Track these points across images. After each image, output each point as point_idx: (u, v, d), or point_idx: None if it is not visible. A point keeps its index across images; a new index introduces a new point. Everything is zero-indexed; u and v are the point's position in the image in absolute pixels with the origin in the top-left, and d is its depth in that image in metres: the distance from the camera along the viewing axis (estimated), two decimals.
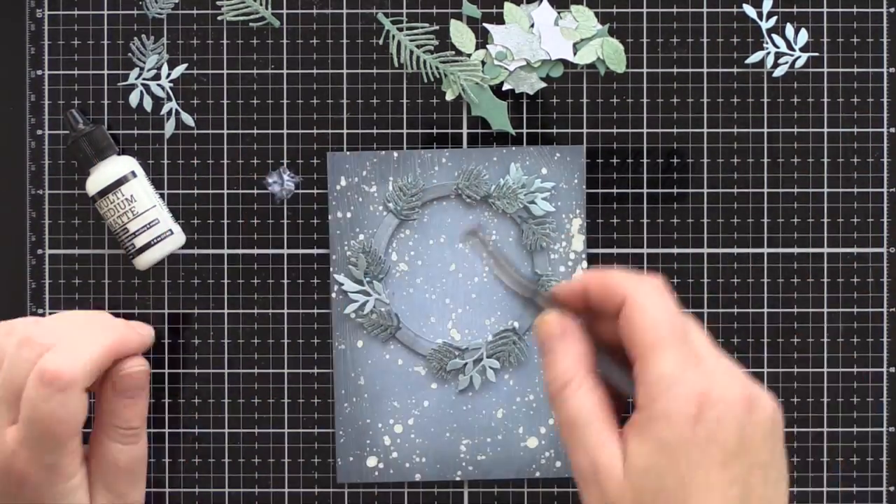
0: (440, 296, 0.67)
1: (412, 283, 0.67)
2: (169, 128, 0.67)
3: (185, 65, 0.68)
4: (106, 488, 0.62)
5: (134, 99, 0.68)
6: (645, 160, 0.68)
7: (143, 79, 0.67)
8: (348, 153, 0.67)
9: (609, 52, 0.67)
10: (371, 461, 0.67)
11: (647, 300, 0.52)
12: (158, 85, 0.67)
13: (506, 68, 0.67)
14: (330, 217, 0.67)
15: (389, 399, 0.67)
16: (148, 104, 0.68)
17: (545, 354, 0.54)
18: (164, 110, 0.67)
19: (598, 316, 0.55)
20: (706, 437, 0.51)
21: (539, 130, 0.67)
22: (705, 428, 0.51)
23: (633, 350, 0.52)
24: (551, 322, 0.54)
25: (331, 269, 0.67)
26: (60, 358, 0.58)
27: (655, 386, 0.51)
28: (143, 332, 0.64)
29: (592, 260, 0.67)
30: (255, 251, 0.68)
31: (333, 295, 0.67)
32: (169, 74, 0.67)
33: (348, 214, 0.67)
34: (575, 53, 0.67)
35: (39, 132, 0.68)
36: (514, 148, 0.67)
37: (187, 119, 0.67)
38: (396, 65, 0.67)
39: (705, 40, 0.67)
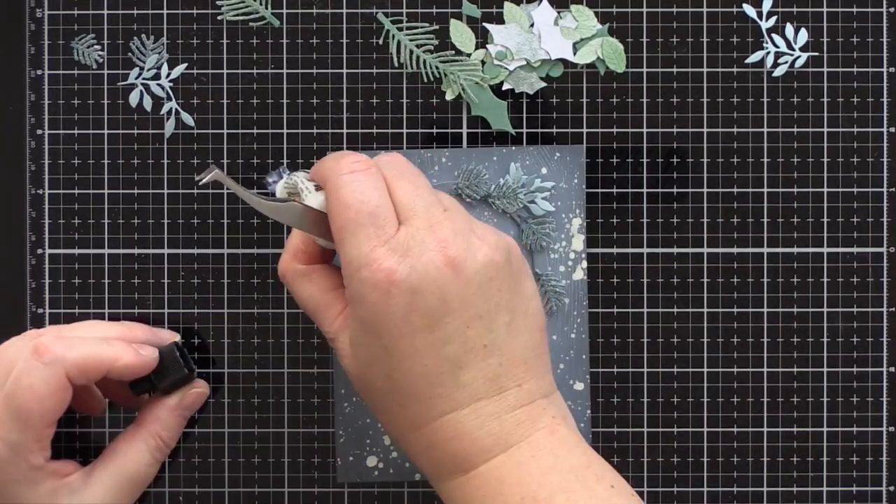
0: None
1: None
2: (169, 127, 0.67)
3: (185, 64, 0.68)
4: (114, 491, 0.61)
5: (134, 98, 0.68)
6: (645, 160, 0.68)
7: (143, 78, 0.67)
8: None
9: (609, 52, 0.67)
10: (371, 461, 0.67)
11: (339, 183, 0.54)
12: (158, 84, 0.67)
13: (506, 68, 0.67)
14: None
15: None
16: (148, 104, 0.68)
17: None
18: (164, 110, 0.67)
19: None
20: (403, 307, 0.52)
21: (539, 130, 0.67)
22: (400, 299, 0.52)
23: (335, 236, 0.54)
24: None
25: None
26: (55, 338, 0.59)
27: (346, 269, 0.53)
28: (144, 353, 0.63)
29: (592, 259, 0.67)
30: (255, 251, 0.68)
31: None
32: (169, 74, 0.67)
33: None
34: (575, 53, 0.67)
35: (39, 132, 0.68)
36: (514, 148, 0.67)
37: (187, 119, 0.67)
38: (396, 64, 0.67)
39: (705, 40, 0.67)
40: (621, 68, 0.67)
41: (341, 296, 0.57)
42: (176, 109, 0.67)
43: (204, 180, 0.57)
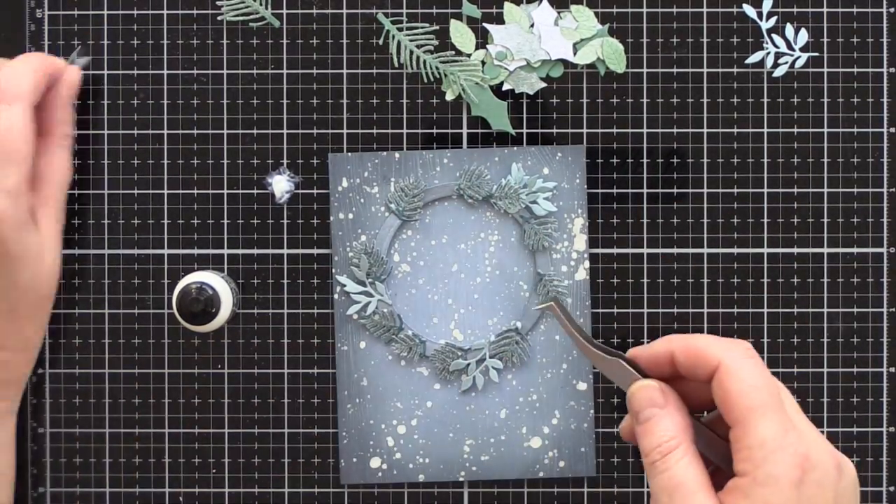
0: (442, 296, 0.67)
1: (414, 283, 0.67)
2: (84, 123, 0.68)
3: (92, 58, 0.68)
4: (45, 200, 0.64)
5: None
6: (645, 160, 0.68)
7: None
8: (350, 154, 0.67)
9: (609, 52, 0.67)
10: (374, 462, 0.67)
11: (741, 365, 0.53)
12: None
13: (506, 68, 0.67)
14: (332, 218, 0.67)
15: (392, 400, 0.67)
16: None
17: (643, 421, 0.54)
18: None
19: (681, 381, 0.55)
20: (808, 500, 0.52)
21: (539, 130, 0.67)
22: (808, 491, 0.52)
23: (731, 415, 0.52)
24: (652, 389, 0.55)
25: (333, 270, 0.67)
26: (7, 77, 0.62)
27: (759, 450, 0.52)
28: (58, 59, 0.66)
29: (592, 259, 0.67)
30: (255, 251, 0.68)
31: (336, 296, 0.67)
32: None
33: (350, 215, 0.67)
34: (575, 53, 0.67)
35: None
36: (515, 148, 0.67)
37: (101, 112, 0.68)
38: (396, 65, 0.67)
39: (705, 40, 0.67)
40: (621, 68, 0.67)
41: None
42: (90, 105, 0.68)
43: (537, 307, 0.58)
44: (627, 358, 0.55)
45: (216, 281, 0.64)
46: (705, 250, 0.68)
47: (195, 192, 0.68)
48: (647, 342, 0.67)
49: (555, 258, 0.67)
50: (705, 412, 0.56)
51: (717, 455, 0.55)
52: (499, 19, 0.67)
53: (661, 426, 0.54)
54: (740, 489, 0.52)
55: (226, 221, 0.68)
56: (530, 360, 0.67)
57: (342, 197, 0.67)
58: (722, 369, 0.53)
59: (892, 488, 0.68)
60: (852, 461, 0.67)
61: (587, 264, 0.67)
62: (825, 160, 0.68)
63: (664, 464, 0.54)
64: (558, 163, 0.67)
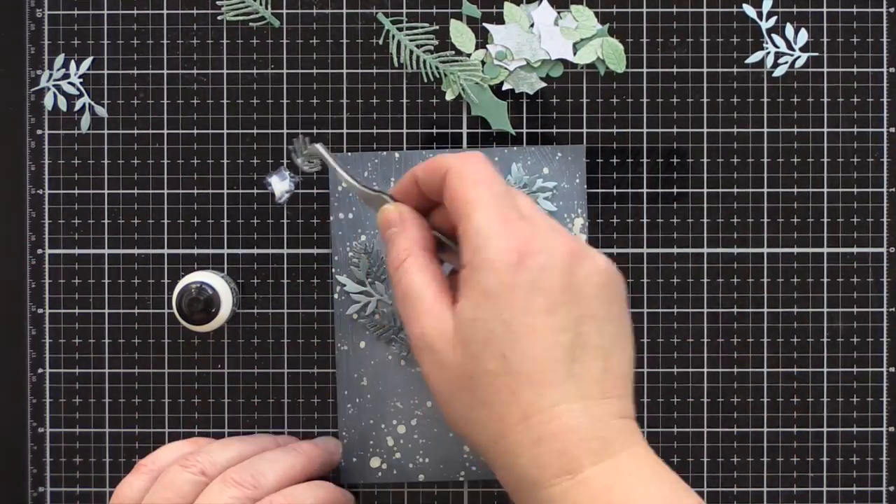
0: None
1: None
2: (84, 123, 0.68)
3: (92, 57, 0.68)
4: None
5: (48, 101, 0.68)
6: (645, 160, 0.68)
7: (55, 80, 0.67)
8: (350, 154, 0.67)
9: (609, 52, 0.67)
10: (374, 462, 0.67)
11: (465, 166, 0.55)
12: (69, 83, 0.67)
13: (506, 68, 0.67)
14: (332, 218, 0.67)
15: (392, 400, 0.67)
16: (62, 104, 0.68)
17: (387, 241, 0.58)
18: (77, 107, 0.68)
19: (436, 207, 0.59)
20: (529, 283, 0.52)
21: (539, 130, 0.67)
22: (528, 275, 0.52)
23: (456, 212, 0.54)
24: (390, 211, 0.58)
25: (332, 270, 0.67)
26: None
27: (476, 237, 0.53)
28: (331, 450, 0.65)
29: None
30: (255, 251, 0.68)
31: (335, 296, 0.67)
32: (77, 71, 0.68)
33: (350, 215, 0.67)
34: (575, 53, 0.67)
35: (39, 132, 0.68)
36: (515, 148, 0.67)
37: (101, 111, 0.68)
38: (396, 65, 0.67)
39: (705, 40, 0.67)
40: (621, 68, 0.67)
41: (446, 279, 0.57)
42: (90, 104, 0.68)
43: (299, 157, 0.61)
44: (388, 193, 0.60)
45: (216, 281, 0.64)
46: (705, 250, 0.68)
47: (195, 191, 0.68)
48: (647, 342, 0.67)
49: None
50: None
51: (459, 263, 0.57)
52: (499, 19, 0.67)
53: (398, 243, 0.57)
54: (462, 279, 0.53)
55: (226, 221, 0.68)
56: None
57: (342, 197, 0.67)
58: (449, 172, 0.55)
59: (892, 488, 0.68)
60: (852, 460, 0.68)
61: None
62: (825, 160, 0.68)
63: (397, 274, 0.56)
64: (558, 163, 0.67)
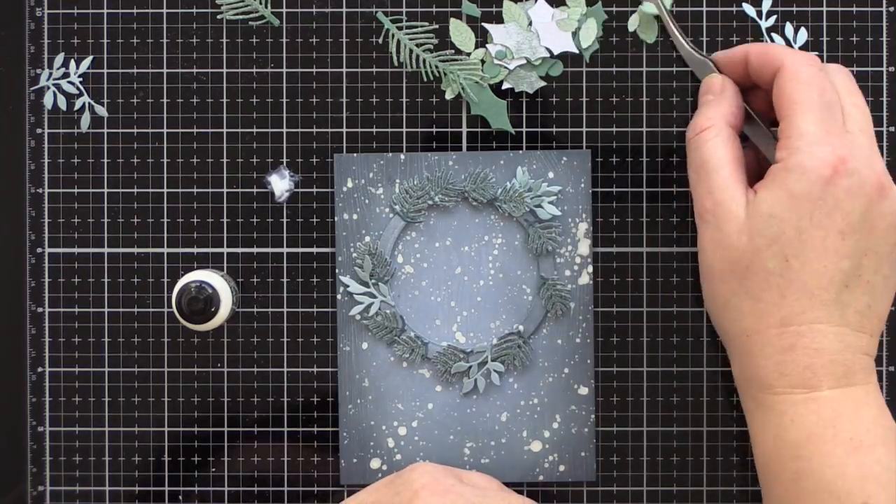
0: (445, 298, 0.67)
1: (418, 285, 0.67)
2: (84, 122, 0.68)
3: (92, 57, 0.68)
4: None
5: (48, 100, 0.68)
6: (645, 160, 0.68)
7: (54, 79, 0.68)
8: (355, 155, 0.67)
9: (643, 22, 0.67)
10: (374, 463, 0.67)
11: (801, 66, 0.56)
12: (69, 82, 0.68)
13: (506, 67, 0.67)
14: (336, 218, 0.67)
15: (393, 401, 0.67)
16: (62, 103, 0.68)
17: (699, 106, 0.60)
18: (77, 106, 0.68)
19: (753, 88, 0.60)
20: (834, 201, 0.53)
21: (539, 129, 0.67)
22: (835, 192, 0.53)
23: (781, 110, 0.55)
24: (715, 79, 0.60)
25: (336, 271, 0.67)
26: None
27: (797, 140, 0.54)
28: None
29: (593, 258, 0.67)
30: (255, 250, 0.68)
31: (339, 296, 0.67)
32: (77, 70, 0.68)
33: (354, 216, 0.67)
34: (577, 46, 0.67)
35: (39, 131, 0.68)
36: (520, 151, 0.67)
37: (101, 111, 0.68)
38: (396, 64, 0.67)
39: (705, 40, 0.67)
40: (652, 38, 0.67)
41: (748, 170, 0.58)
42: (89, 104, 0.68)
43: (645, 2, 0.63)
44: (713, 59, 0.62)
45: (216, 280, 0.64)
46: None
47: (195, 191, 0.68)
48: (647, 341, 0.67)
49: (558, 262, 0.67)
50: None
51: (770, 151, 0.58)
52: (498, 18, 0.67)
53: (707, 110, 0.59)
54: (771, 173, 0.54)
55: (225, 220, 0.68)
56: (532, 363, 0.67)
57: (347, 197, 0.67)
58: (783, 67, 0.56)
59: None
60: None
61: (590, 269, 0.67)
62: None
63: (696, 142, 0.58)
64: (563, 167, 0.67)
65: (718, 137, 0.57)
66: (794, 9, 0.67)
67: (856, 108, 0.57)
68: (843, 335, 0.55)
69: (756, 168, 0.60)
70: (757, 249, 0.54)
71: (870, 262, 0.54)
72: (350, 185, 0.67)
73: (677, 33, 0.63)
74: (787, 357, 0.55)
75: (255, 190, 0.68)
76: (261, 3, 0.67)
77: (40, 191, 0.68)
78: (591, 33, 0.67)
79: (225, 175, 0.68)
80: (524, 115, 0.67)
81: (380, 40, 0.67)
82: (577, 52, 0.67)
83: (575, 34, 0.67)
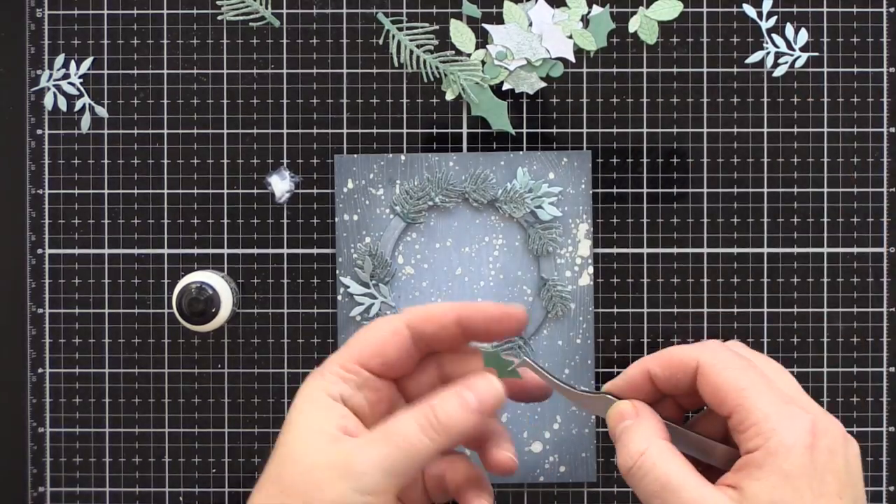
0: (446, 299, 0.67)
1: (418, 286, 0.67)
2: (85, 123, 0.68)
3: (93, 58, 0.68)
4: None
5: (49, 101, 0.68)
6: (645, 160, 0.68)
7: (55, 80, 0.67)
8: (355, 156, 0.67)
9: (645, 26, 0.67)
10: None
11: (720, 357, 0.54)
12: (70, 83, 0.68)
13: (506, 68, 0.67)
14: (336, 219, 0.67)
15: None
16: (63, 104, 0.68)
17: (620, 435, 0.55)
18: (77, 107, 0.68)
19: (659, 401, 0.56)
20: (822, 466, 0.52)
21: (539, 130, 0.67)
22: (820, 457, 0.52)
23: (725, 406, 0.53)
24: (625, 405, 0.55)
25: (337, 272, 0.67)
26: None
27: (766, 423, 0.52)
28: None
29: (593, 259, 0.67)
30: (255, 251, 0.68)
31: (339, 297, 0.67)
32: (77, 71, 0.68)
33: (355, 217, 0.67)
34: (574, 48, 0.67)
35: (39, 132, 0.68)
36: (521, 152, 0.67)
37: (101, 112, 0.68)
38: (396, 64, 0.67)
39: (705, 40, 0.67)
40: (653, 40, 0.67)
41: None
42: (90, 105, 0.68)
43: (513, 367, 0.54)
44: (611, 392, 0.55)
45: (216, 281, 0.64)
46: (705, 250, 0.68)
47: (195, 191, 0.68)
48: (647, 342, 0.67)
49: (559, 263, 0.67)
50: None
51: (706, 454, 0.55)
52: (498, 19, 0.67)
53: (636, 435, 0.54)
54: (752, 463, 0.52)
55: (226, 221, 0.68)
56: None
57: (347, 198, 0.67)
58: (703, 366, 0.54)
59: (892, 488, 0.68)
60: None
61: (591, 270, 0.67)
62: (825, 160, 0.68)
63: (642, 468, 0.54)
64: (564, 168, 0.67)
65: (664, 454, 0.54)
66: (795, 9, 0.67)
67: (776, 371, 0.56)
68: None
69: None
70: None
71: None
72: (350, 185, 0.67)
73: (562, 385, 0.56)
74: None
75: (255, 191, 0.68)
76: (261, 4, 0.67)
77: (41, 192, 0.68)
78: (584, 40, 0.67)
79: (225, 176, 0.68)
80: (524, 115, 0.67)
81: (380, 41, 0.67)
82: (586, 47, 0.67)
83: (574, 39, 0.67)
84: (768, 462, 0.52)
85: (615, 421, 0.56)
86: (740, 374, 0.54)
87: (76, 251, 0.68)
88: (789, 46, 0.67)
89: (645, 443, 0.54)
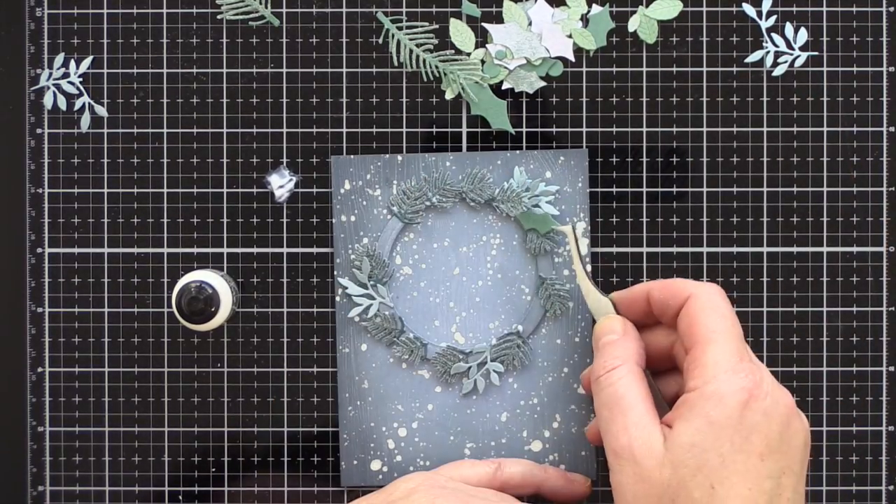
0: (444, 299, 0.67)
1: (416, 286, 0.67)
2: (84, 122, 0.68)
3: (92, 57, 0.68)
4: None
5: (48, 100, 0.68)
6: (645, 160, 0.68)
7: (55, 79, 0.68)
8: (352, 157, 0.67)
9: (644, 26, 0.67)
10: (375, 465, 0.67)
11: (710, 296, 0.57)
12: (69, 82, 0.68)
13: (506, 67, 0.67)
14: (334, 220, 0.67)
15: (393, 402, 0.67)
16: (62, 103, 0.68)
17: (602, 347, 0.59)
18: (77, 106, 0.68)
19: (650, 327, 0.60)
20: (752, 425, 0.54)
21: (539, 129, 0.67)
22: (753, 416, 0.54)
23: (692, 338, 0.56)
24: (614, 321, 0.60)
25: (335, 273, 0.67)
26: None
27: (712, 368, 0.54)
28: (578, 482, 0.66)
29: (593, 258, 0.67)
30: (255, 250, 0.68)
31: (338, 298, 0.67)
32: (77, 70, 0.68)
33: (352, 218, 0.67)
34: (574, 48, 0.67)
35: (39, 131, 0.68)
36: (518, 151, 0.67)
37: (101, 111, 0.68)
38: (396, 64, 0.67)
39: (705, 40, 0.67)
40: (653, 39, 0.67)
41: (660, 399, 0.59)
42: (89, 104, 0.68)
43: (558, 228, 0.64)
44: (614, 300, 0.61)
45: (216, 280, 0.64)
46: (705, 249, 0.68)
47: (195, 191, 0.68)
48: None
49: (556, 262, 0.67)
50: None
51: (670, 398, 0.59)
52: (498, 18, 0.67)
53: (614, 349, 0.58)
54: (686, 403, 0.55)
55: (225, 220, 0.68)
56: (531, 363, 0.67)
57: (345, 199, 0.67)
58: (692, 298, 0.57)
59: (891, 488, 0.68)
60: (852, 460, 0.68)
61: (589, 268, 0.67)
62: (825, 160, 0.68)
63: (607, 380, 0.57)
64: (561, 167, 0.67)
65: (630, 375, 0.57)
66: (794, 9, 0.67)
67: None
68: None
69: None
70: (682, 480, 0.54)
71: (788, 481, 0.54)
72: (347, 186, 0.67)
73: (584, 273, 0.62)
74: None
75: (254, 190, 0.68)
76: (261, 3, 0.67)
77: (40, 191, 0.68)
78: (591, 41, 0.67)
79: (225, 175, 0.68)
80: (524, 115, 0.67)
81: (380, 40, 0.67)
82: (586, 47, 0.67)
83: (573, 38, 0.67)
84: (699, 405, 0.54)
85: (602, 331, 0.60)
86: (719, 318, 0.56)
87: (76, 250, 0.68)
88: (789, 46, 0.67)
89: (619, 360, 0.58)
